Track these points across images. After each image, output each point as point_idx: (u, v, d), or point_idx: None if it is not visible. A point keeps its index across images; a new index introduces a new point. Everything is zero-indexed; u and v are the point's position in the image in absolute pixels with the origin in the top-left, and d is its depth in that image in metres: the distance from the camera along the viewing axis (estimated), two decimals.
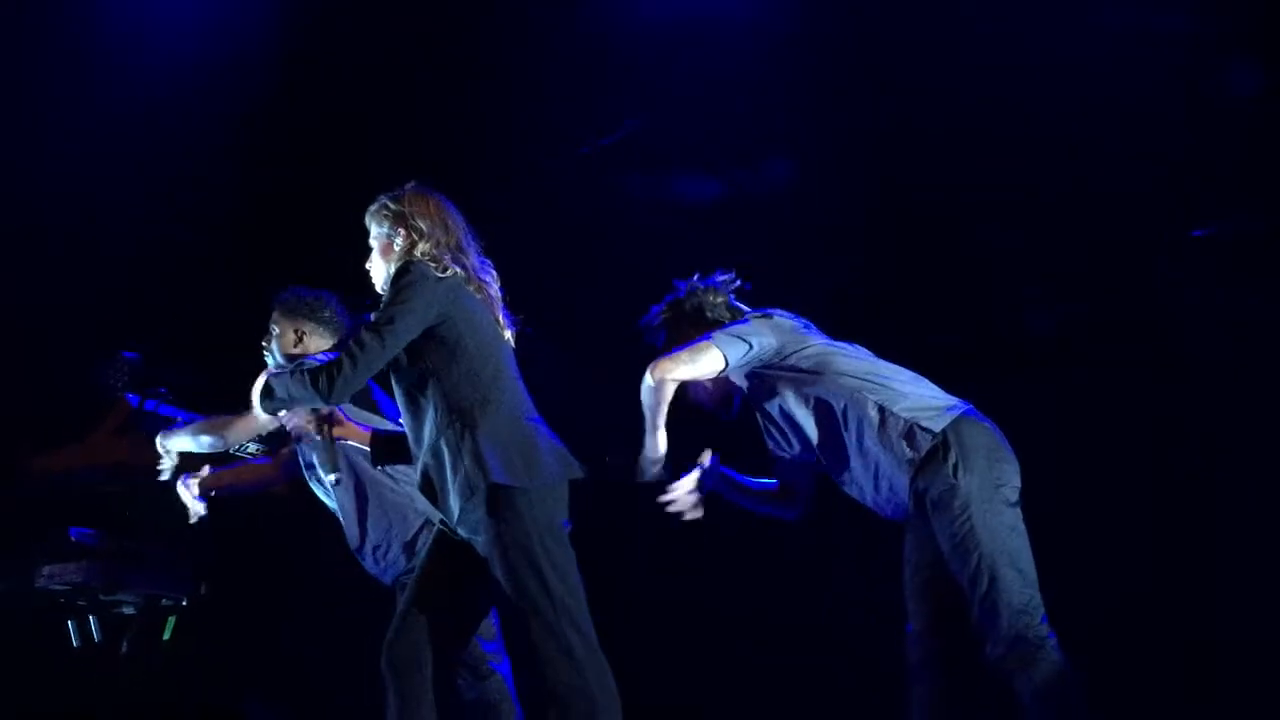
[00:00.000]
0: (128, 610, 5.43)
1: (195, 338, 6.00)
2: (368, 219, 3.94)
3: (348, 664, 5.72)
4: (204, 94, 5.92)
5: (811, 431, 3.99)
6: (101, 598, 5.32)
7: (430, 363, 3.71)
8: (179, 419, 5.44)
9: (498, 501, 3.60)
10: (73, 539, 5.28)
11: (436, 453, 3.68)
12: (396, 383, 3.80)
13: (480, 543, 3.64)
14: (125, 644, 5.37)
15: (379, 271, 3.93)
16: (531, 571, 3.59)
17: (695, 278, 4.21)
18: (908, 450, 3.85)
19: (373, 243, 3.94)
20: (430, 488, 3.71)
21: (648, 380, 3.93)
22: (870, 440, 3.90)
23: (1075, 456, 5.14)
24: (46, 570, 5.25)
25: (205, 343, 5.94)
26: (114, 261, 5.99)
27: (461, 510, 3.64)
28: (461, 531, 3.68)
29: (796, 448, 4.05)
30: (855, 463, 3.95)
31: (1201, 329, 5.16)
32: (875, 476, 3.93)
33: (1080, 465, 5.16)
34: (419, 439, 3.73)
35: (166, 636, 5.48)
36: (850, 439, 3.93)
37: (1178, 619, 5.05)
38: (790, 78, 5.63)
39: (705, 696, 5.69)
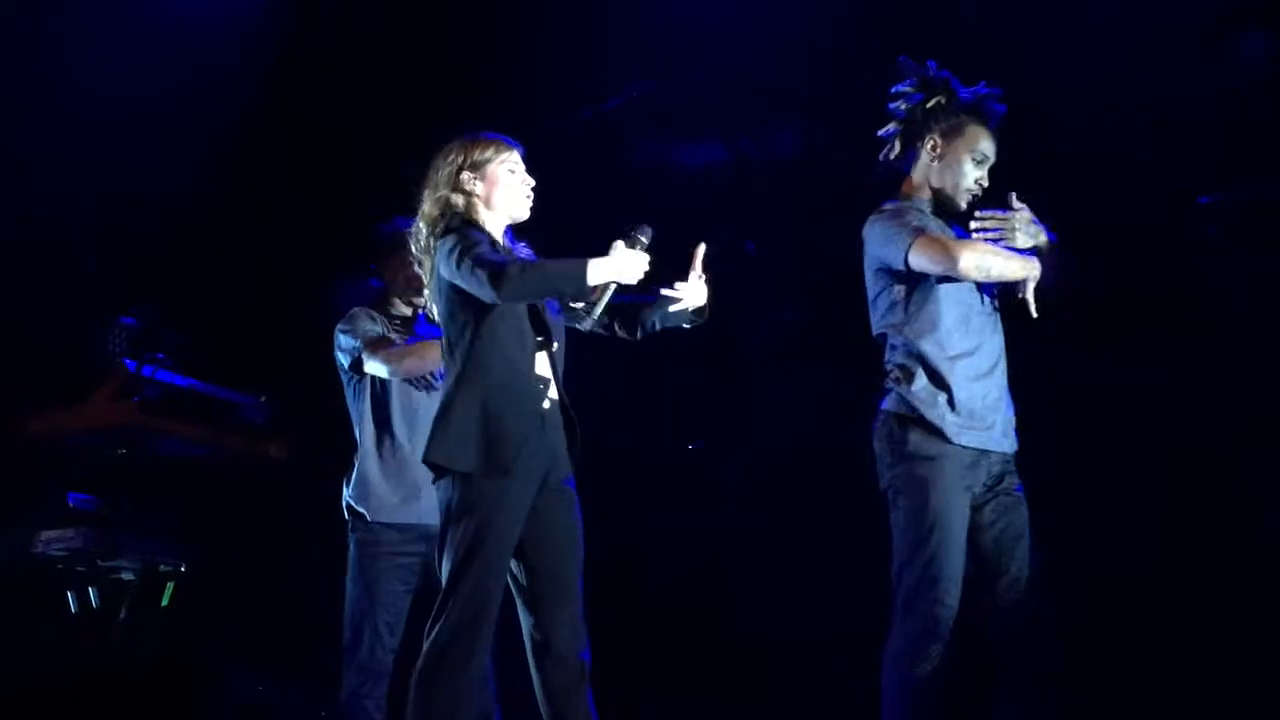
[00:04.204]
0: (126, 576, 5.42)
1: (195, 304, 5.96)
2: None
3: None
4: (215, 53, 5.90)
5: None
6: (100, 564, 5.31)
7: None
8: (177, 385, 5.43)
9: None
10: (71, 505, 5.27)
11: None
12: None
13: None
14: (124, 610, 5.36)
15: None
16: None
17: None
18: None
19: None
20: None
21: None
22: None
23: (1082, 444, 5.08)
24: (44, 536, 5.25)
25: (205, 309, 5.91)
26: (116, 227, 5.96)
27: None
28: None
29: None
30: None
31: (1222, 307, 5.08)
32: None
33: (1088, 452, 5.10)
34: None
35: (165, 602, 5.47)
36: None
37: (1179, 618, 5.01)
38: (800, 48, 5.59)
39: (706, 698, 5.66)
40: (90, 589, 5.35)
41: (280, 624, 5.81)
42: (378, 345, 4.38)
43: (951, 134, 3.99)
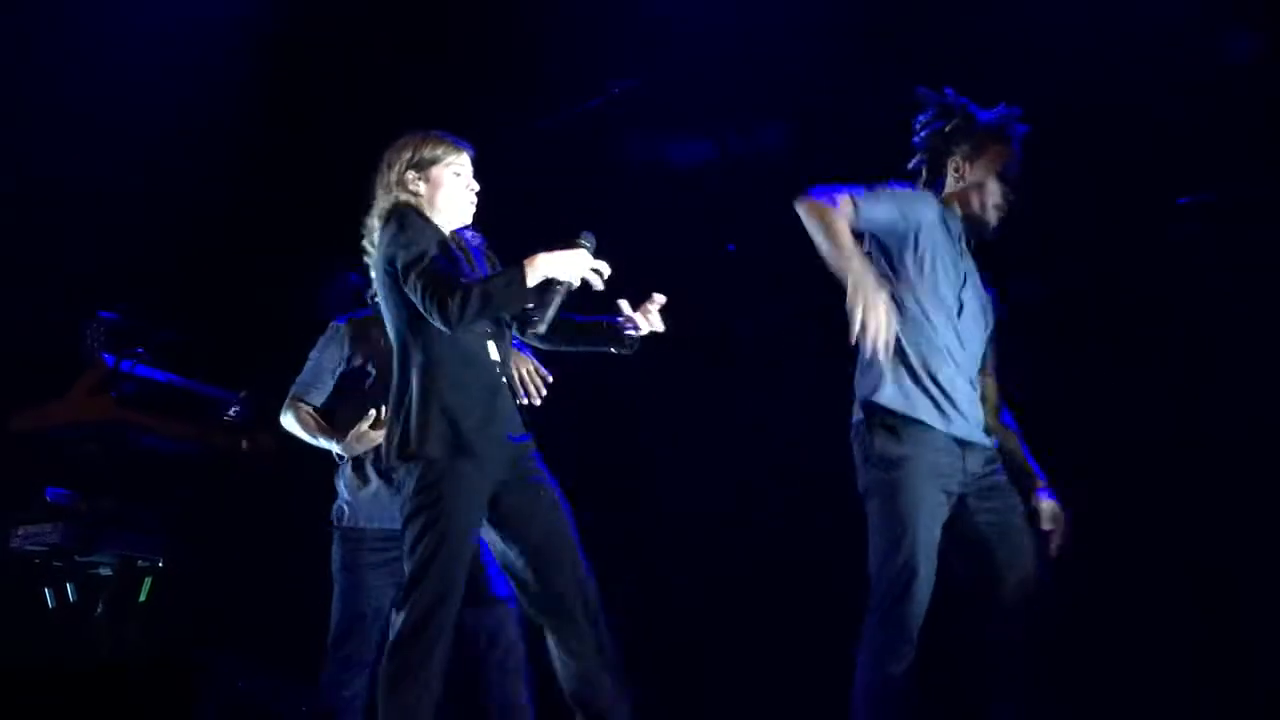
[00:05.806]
0: (104, 571, 5.38)
1: (187, 302, 5.94)
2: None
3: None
4: (202, 50, 5.90)
5: None
6: (77, 559, 5.27)
7: None
8: (157, 380, 5.40)
9: None
10: (48, 499, 5.23)
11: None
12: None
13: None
14: (101, 606, 5.31)
15: None
16: None
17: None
18: None
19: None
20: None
21: None
22: None
23: (1080, 444, 5.07)
24: (21, 531, 5.20)
25: (196, 307, 5.89)
26: (97, 221, 5.93)
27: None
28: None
29: None
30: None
31: (1207, 315, 5.08)
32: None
33: (1082, 455, 5.09)
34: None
35: (143, 598, 5.43)
36: None
37: (1177, 618, 5.00)
38: (788, 42, 5.58)
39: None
40: (68, 585, 5.31)
41: (260, 619, 5.79)
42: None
43: (973, 155, 4.05)
